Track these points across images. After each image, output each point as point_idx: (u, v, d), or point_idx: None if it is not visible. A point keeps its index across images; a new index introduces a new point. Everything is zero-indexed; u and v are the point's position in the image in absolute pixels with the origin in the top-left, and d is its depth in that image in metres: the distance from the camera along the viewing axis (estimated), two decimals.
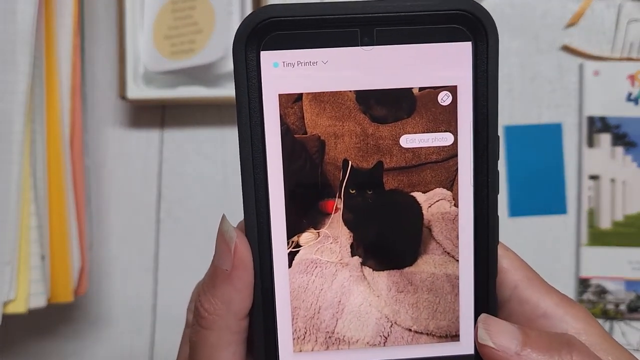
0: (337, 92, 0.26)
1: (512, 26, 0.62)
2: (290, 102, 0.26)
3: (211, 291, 0.27)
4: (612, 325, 0.62)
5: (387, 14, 0.26)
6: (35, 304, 0.51)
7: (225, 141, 0.62)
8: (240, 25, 0.26)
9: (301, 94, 0.26)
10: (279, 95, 0.26)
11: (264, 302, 0.27)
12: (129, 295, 0.62)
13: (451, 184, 0.27)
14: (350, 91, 0.26)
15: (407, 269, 0.28)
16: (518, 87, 0.62)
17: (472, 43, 0.26)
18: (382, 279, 0.28)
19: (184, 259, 0.62)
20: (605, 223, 0.61)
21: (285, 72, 0.26)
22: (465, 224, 0.28)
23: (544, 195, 0.62)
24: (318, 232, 0.28)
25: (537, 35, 0.62)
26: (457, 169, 0.27)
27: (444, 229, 0.28)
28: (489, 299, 0.28)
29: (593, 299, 0.61)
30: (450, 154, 0.27)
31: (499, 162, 0.28)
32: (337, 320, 0.28)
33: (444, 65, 0.27)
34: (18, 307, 0.49)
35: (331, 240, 0.28)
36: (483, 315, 0.27)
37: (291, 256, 0.27)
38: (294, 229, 0.27)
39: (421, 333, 0.28)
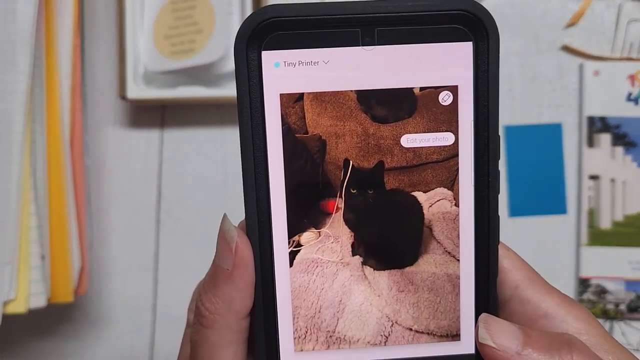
0: (338, 91, 0.26)
1: (512, 26, 0.62)
2: (292, 102, 0.26)
3: (212, 290, 0.27)
4: (612, 325, 0.62)
5: (388, 14, 0.26)
6: (35, 304, 0.51)
7: (225, 141, 0.62)
8: (241, 25, 0.26)
9: (302, 94, 0.26)
10: (280, 95, 0.26)
11: (265, 302, 0.27)
12: (129, 295, 0.62)
13: (452, 183, 0.27)
14: (352, 91, 0.27)
15: (408, 269, 0.28)
16: (518, 87, 0.62)
17: (472, 43, 0.26)
18: (383, 278, 0.28)
19: (184, 259, 0.62)
20: (605, 223, 0.61)
21: (286, 71, 0.26)
22: (466, 223, 0.28)
23: (544, 195, 0.62)
24: (319, 232, 0.28)
25: (537, 35, 0.62)
26: (457, 168, 0.27)
27: (445, 229, 0.28)
28: (489, 298, 0.28)
29: (593, 299, 0.61)
30: (451, 153, 0.27)
31: (499, 162, 0.28)
32: (338, 320, 0.28)
33: (444, 65, 0.27)
34: (18, 307, 0.49)
35: (332, 240, 0.28)
36: (484, 315, 0.27)
37: (292, 255, 0.27)
38: (295, 229, 0.27)
39: (422, 332, 0.28)
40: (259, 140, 0.26)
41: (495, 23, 0.26)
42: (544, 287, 0.28)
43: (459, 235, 0.28)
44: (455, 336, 0.28)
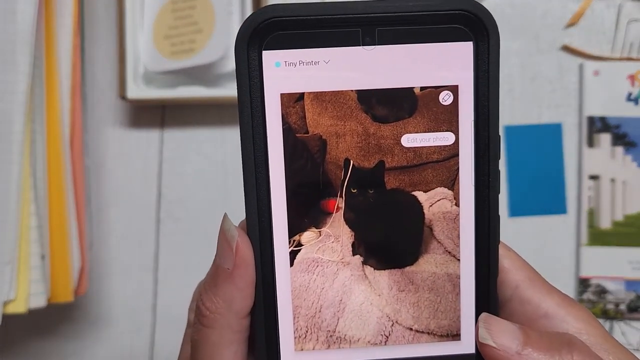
0: (338, 91, 0.27)
1: (513, 26, 0.62)
2: (292, 102, 0.27)
3: (213, 290, 0.27)
4: (612, 325, 0.62)
5: (389, 14, 0.26)
6: (35, 304, 0.51)
7: (225, 141, 0.62)
8: (242, 25, 0.26)
9: (303, 94, 0.26)
10: (281, 94, 0.26)
11: (266, 301, 0.27)
12: (129, 295, 0.62)
13: (452, 183, 0.27)
14: (352, 91, 0.27)
15: (408, 268, 0.28)
16: (518, 87, 0.62)
17: (473, 43, 0.27)
18: (383, 278, 0.28)
19: (184, 259, 0.62)
20: (605, 223, 0.61)
21: (287, 71, 0.26)
22: (466, 223, 0.28)
23: (544, 195, 0.62)
24: (319, 231, 0.28)
25: (537, 35, 0.62)
26: (458, 168, 0.27)
27: (445, 228, 0.28)
28: (490, 298, 0.28)
29: (593, 299, 0.61)
30: (452, 153, 0.27)
31: (499, 162, 0.28)
32: (338, 319, 0.28)
33: (445, 65, 0.27)
34: (18, 307, 0.49)
35: (332, 240, 0.28)
36: (484, 315, 0.27)
37: (292, 255, 0.27)
38: (295, 228, 0.27)
39: (422, 332, 0.28)
40: (259, 140, 0.26)
41: (495, 23, 0.26)
42: (544, 287, 0.28)
43: (459, 235, 0.28)
44: (455, 336, 0.28)
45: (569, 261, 0.62)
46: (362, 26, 0.26)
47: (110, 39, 0.61)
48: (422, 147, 0.27)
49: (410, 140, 0.27)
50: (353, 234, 0.28)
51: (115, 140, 0.62)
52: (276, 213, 0.27)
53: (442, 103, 0.27)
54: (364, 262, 0.28)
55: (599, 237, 0.61)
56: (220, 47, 0.57)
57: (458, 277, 0.28)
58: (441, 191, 0.28)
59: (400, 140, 0.27)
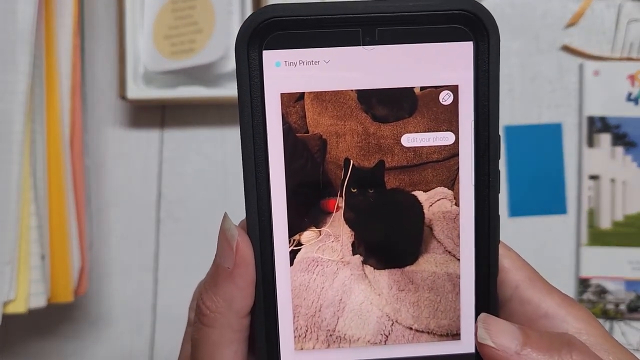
0: (338, 91, 0.27)
1: (513, 26, 0.62)
2: (292, 101, 0.27)
3: (213, 289, 0.27)
4: (612, 325, 0.62)
5: (389, 14, 0.26)
6: (35, 304, 0.51)
7: (225, 141, 0.62)
8: (242, 24, 0.26)
9: (303, 93, 0.26)
10: (281, 94, 0.26)
11: (266, 300, 0.27)
12: (129, 295, 0.62)
13: (452, 183, 0.28)
14: (352, 90, 0.27)
15: (408, 268, 0.28)
16: (518, 87, 0.62)
17: (473, 43, 0.27)
18: (383, 277, 0.28)
19: (184, 259, 0.62)
20: (605, 223, 0.61)
21: (287, 71, 0.26)
22: (466, 223, 0.28)
23: (544, 195, 0.62)
24: (319, 231, 0.28)
25: (537, 35, 0.62)
26: (458, 168, 0.27)
27: (445, 228, 0.28)
28: (489, 298, 0.28)
29: (593, 299, 0.61)
30: (452, 153, 0.27)
31: (499, 161, 0.28)
32: (338, 319, 0.28)
33: (445, 65, 0.27)
34: (18, 307, 0.49)
35: (332, 239, 0.28)
36: (483, 315, 0.27)
37: (293, 254, 0.27)
38: (295, 228, 0.27)
39: (422, 332, 0.28)
40: (259, 140, 0.27)
41: (495, 23, 0.26)
42: (544, 287, 0.28)
43: (459, 234, 0.28)
44: (455, 335, 0.28)
45: (569, 261, 0.62)
46: (362, 26, 0.26)
47: (110, 39, 0.61)
48: (422, 146, 0.27)
49: (410, 140, 0.27)
50: (353, 233, 0.28)
51: (115, 140, 0.62)
52: (276, 212, 0.27)
53: (442, 103, 0.27)
54: (364, 262, 0.28)
55: (599, 237, 0.61)
56: (220, 47, 0.57)
57: (458, 276, 0.28)
58: (441, 191, 0.28)
59: (400, 140, 0.27)
